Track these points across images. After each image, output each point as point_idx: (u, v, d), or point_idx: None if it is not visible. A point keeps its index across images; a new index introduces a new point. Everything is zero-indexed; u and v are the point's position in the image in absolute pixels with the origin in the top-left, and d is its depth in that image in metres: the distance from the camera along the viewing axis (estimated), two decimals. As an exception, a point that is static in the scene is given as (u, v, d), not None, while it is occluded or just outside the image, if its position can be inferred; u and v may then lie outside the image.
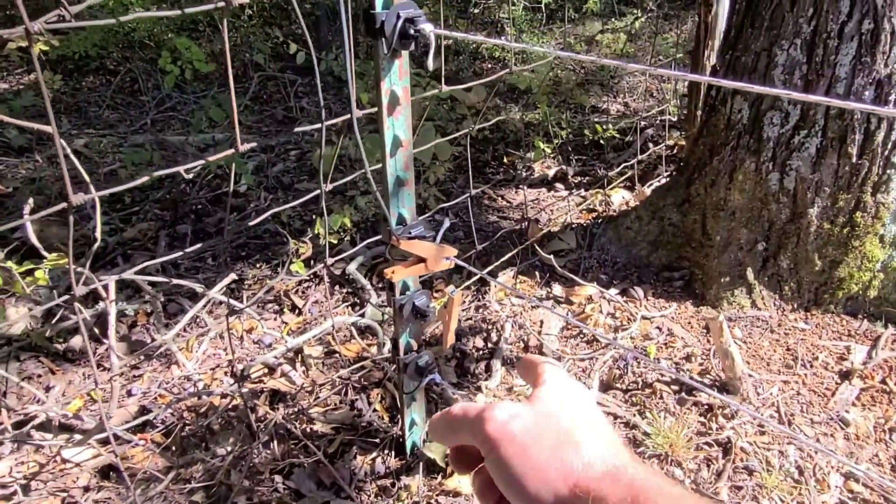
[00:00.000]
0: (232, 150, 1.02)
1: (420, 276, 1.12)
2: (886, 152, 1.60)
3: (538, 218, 2.43)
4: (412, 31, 0.89)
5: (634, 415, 1.49)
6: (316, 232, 2.13)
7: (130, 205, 2.77)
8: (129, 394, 1.72)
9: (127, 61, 4.78)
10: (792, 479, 1.31)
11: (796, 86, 1.63)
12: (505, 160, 3.24)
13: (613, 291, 1.93)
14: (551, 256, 1.89)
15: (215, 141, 3.47)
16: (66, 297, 0.93)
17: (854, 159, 1.62)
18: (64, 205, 0.85)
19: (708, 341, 1.71)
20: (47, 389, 1.71)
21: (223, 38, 0.84)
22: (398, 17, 0.89)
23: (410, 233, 1.08)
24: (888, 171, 1.61)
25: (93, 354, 1.73)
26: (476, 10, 6.26)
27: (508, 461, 0.36)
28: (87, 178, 0.89)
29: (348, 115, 1.16)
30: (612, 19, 5.84)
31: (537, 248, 1.79)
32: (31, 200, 0.81)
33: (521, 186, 2.98)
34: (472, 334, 1.81)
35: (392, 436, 1.46)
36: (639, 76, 4.71)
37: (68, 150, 0.84)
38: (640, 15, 5.65)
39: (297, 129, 1.01)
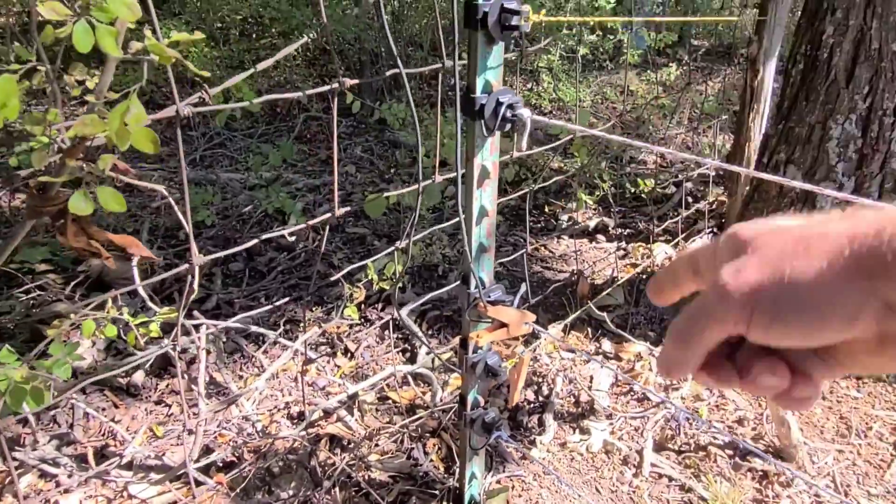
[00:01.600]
0: (329, 215, 1.09)
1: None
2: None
3: (584, 271, 2.47)
4: (510, 115, 0.96)
5: (689, 477, 1.51)
6: (370, 278, 2.19)
7: (185, 241, 2.87)
8: (191, 432, 1.77)
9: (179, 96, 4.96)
10: (852, 554, 1.31)
11: (850, 159, 1.68)
12: (546, 209, 3.30)
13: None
14: (604, 314, 1.93)
15: (264, 180, 3.59)
16: (150, 353, 0.99)
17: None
18: (186, 266, 0.92)
19: (760, 405, 1.72)
20: (113, 421, 1.78)
21: (331, 131, 0.92)
22: (498, 102, 0.96)
23: (489, 296, 1.13)
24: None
25: (176, 392, 1.79)
26: (513, 58, 6.43)
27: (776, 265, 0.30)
28: (192, 240, 0.96)
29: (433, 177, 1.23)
30: (648, 70, 5.96)
31: (591, 304, 1.84)
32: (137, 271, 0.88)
33: (562, 236, 3.03)
34: (525, 387, 1.84)
35: (449, 487, 1.49)
36: (676, 129, 4.78)
37: (187, 210, 0.91)
38: (675, 68, 5.75)
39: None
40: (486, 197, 1.08)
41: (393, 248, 1.24)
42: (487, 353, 1.23)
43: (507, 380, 1.45)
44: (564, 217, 3.18)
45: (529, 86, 6.10)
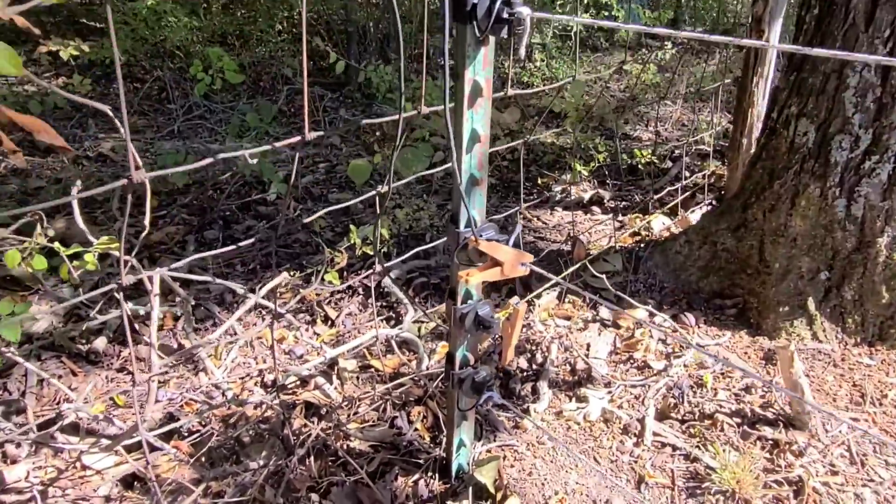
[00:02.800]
0: (298, 138, 0.96)
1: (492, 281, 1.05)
2: (965, 181, 1.51)
3: (583, 240, 2.35)
4: (506, 15, 0.83)
5: (695, 447, 1.39)
6: (352, 241, 2.05)
7: (157, 209, 2.72)
8: (156, 400, 1.64)
9: (156, 69, 4.79)
10: (873, 526, 1.21)
11: (869, 109, 1.56)
12: (539, 182, 3.18)
13: (664, 318, 1.84)
14: (603, 276, 1.81)
15: (244, 148, 3.42)
16: (94, 292, 0.85)
17: (930, 187, 1.54)
18: (124, 181, 0.78)
19: (768, 373, 1.61)
20: (70, 389, 1.63)
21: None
22: None
23: (481, 235, 1.00)
24: (966, 202, 1.53)
25: (133, 349, 1.65)
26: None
27: None
28: (139, 161, 0.83)
29: (415, 112, 1.10)
30: (643, 50, 5.84)
31: (589, 266, 1.71)
32: (78, 182, 0.74)
33: (556, 208, 2.91)
34: (517, 354, 1.72)
35: (435, 457, 1.37)
36: (671, 106, 4.67)
37: (126, 126, 0.78)
38: (670, 47, 5.63)
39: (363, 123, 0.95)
40: (478, 119, 0.95)
41: (374, 192, 1.11)
42: (478, 303, 1.10)
43: (500, 336, 1.33)
44: (558, 189, 3.05)
45: (521, 63, 5.95)
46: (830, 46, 1.61)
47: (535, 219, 2.79)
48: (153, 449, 1.28)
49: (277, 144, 0.94)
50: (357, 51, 5.07)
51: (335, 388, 1.60)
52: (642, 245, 2.21)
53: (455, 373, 1.16)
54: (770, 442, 1.40)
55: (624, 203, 2.99)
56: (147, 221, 1.00)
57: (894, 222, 1.59)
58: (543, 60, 5.46)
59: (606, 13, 5.61)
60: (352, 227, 2.11)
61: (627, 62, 5.75)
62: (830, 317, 1.70)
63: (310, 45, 5.40)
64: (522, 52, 0.87)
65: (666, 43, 5.88)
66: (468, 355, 1.17)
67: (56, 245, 0.93)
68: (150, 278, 1.04)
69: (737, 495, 1.27)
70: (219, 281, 1.24)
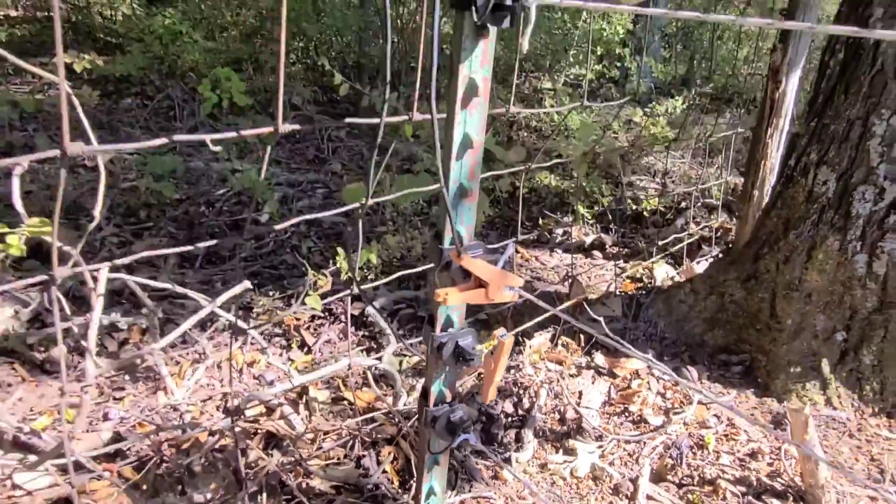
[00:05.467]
0: (271, 129, 0.86)
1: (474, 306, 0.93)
2: None
3: (566, 292, 2.23)
4: (509, 0, 0.73)
5: (693, 516, 1.24)
6: (338, 265, 1.94)
7: (145, 220, 2.62)
8: (106, 417, 1.50)
9: (166, 87, 4.79)
10: None
11: (895, 160, 1.46)
12: (540, 222, 3.08)
13: (664, 368, 1.70)
14: (601, 318, 1.69)
15: (241, 169, 3.36)
16: (24, 281, 0.74)
17: (958, 248, 1.43)
18: (57, 152, 0.68)
19: (776, 438, 1.47)
20: (18, 401, 1.50)
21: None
22: None
23: (470, 251, 0.89)
24: None
25: (61, 349, 1.53)
26: (518, 81, 6.32)
27: None
28: (87, 126, 0.73)
29: (405, 118, 1.00)
30: (654, 104, 5.84)
31: (586, 307, 1.60)
32: (25, 161, 0.64)
33: (556, 250, 2.80)
34: (502, 397, 1.58)
35: (402, 505, 1.22)
36: (679, 160, 4.61)
37: (69, 90, 0.68)
38: (680, 101, 5.63)
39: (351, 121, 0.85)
40: (472, 123, 0.85)
41: (356, 205, 1.00)
42: (459, 332, 0.98)
43: (482, 372, 1.20)
44: (559, 231, 2.95)
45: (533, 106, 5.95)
46: (856, 93, 1.53)
47: (533, 258, 2.68)
48: (79, 469, 1.14)
49: (245, 132, 0.84)
50: (369, 84, 5.06)
51: (302, 419, 1.46)
52: (644, 292, 2.09)
53: (429, 409, 1.03)
54: (778, 516, 1.25)
55: (626, 249, 2.89)
56: (97, 211, 0.90)
57: (918, 283, 1.48)
58: (553, 106, 5.45)
59: (619, 64, 5.64)
60: (339, 249, 2.00)
61: (637, 115, 5.74)
62: (846, 382, 1.56)
63: (318, 72, 5.40)
64: (525, 44, 0.77)
65: (676, 98, 5.89)
66: (445, 391, 1.04)
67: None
68: (94, 276, 0.93)
69: (739, 575, 1.12)
70: (177, 288, 1.13)
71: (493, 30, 0.79)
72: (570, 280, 2.11)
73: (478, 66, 0.81)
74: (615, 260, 2.70)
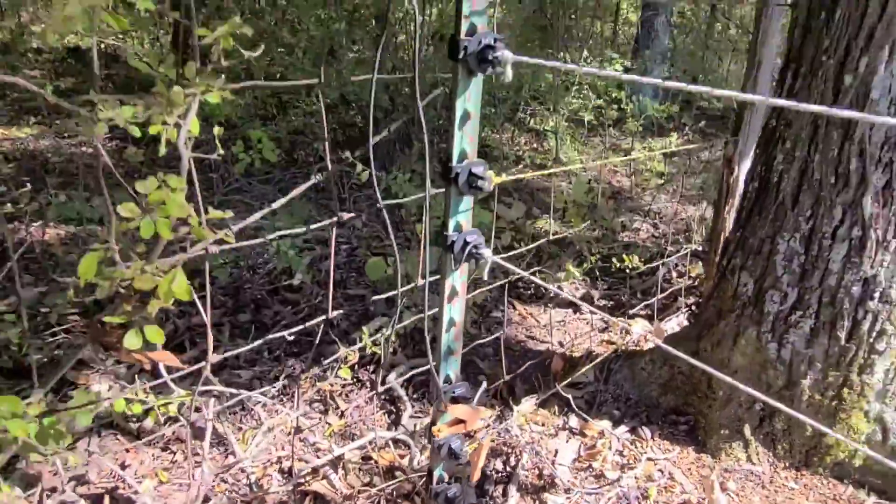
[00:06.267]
0: (334, 219, 1.30)
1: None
2: (871, 340, 1.82)
3: (563, 352, 2.67)
4: (490, 57, 1.05)
5: (631, 555, 1.68)
6: (363, 343, 2.40)
7: (198, 289, 3.10)
8: (193, 477, 1.97)
9: (204, 143, 5.27)
10: None
11: (794, 272, 1.89)
12: (537, 276, 3.52)
13: (623, 429, 2.14)
14: (569, 395, 2.13)
15: (276, 228, 3.83)
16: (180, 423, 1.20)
17: (843, 342, 1.84)
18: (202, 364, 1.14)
19: (702, 489, 1.90)
20: (123, 467, 1.98)
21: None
22: (480, 42, 1.03)
23: (455, 392, 1.34)
24: (872, 356, 1.83)
25: (181, 441, 1.99)
26: (523, 115, 6.74)
27: None
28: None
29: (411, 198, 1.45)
30: (653, 136, 6.23)
31: (559, 388, 2.03)
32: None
33: (549, 305, 3.24)
34: (494, 456, 2.03)
35: (416, 548, 1.68)
36: (668, 200, 5.02)
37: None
38: (676, 137, 6.00)
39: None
40: (465, 139, 1.21)
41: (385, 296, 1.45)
42: (451, 438, 1.43)
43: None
44: (553, 286, 3.39)
45: (535, 145, 6.38)
46: (765, 217, 1.95)
47: (529, 316, 3.12)
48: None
49: (312, 227, 1.28)
50: (392, 153, 5.40)
51: (340, 479, 1.93)
52: (616, 355, 2.52)
53: (433, 487, 1.48)
54: (695, 554, 1.68)
55: (612, 302, 3.32)
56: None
57: (815, 368, 1.89)
58: (556, 143, 5.87)
59: (616, 106, 6.04)
60: (364, 329, 2.46)
61: (636, 148, 6.12)
62: (763, 442, 1.99)
63: (342, 116, 5.84)
64: (509, 75, 1.11)
65: (673, 132, 6.27)
66: (444, 475, 1.49)
67: (152, 397, 1.29)
68: (208, 409, 1.39)
69: None
70: (245, 393, 1.59)
71: (480, 73, 1.08)
72: (550, 355, 2.55)
73: (468, 100, 1.11)
74: (601, 313, 3.14)
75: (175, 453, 2.02)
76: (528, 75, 6.25)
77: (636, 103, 6.15)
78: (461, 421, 1.27)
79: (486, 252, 1.17)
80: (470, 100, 1.10)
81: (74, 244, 3.37)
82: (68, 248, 3.31)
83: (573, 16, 8.15)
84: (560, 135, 5.75)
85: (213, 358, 1.10)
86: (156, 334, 0.84)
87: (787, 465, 1.97)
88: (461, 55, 1.02)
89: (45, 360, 2.36)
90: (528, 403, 2.25)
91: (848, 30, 1.71)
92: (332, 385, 2.39)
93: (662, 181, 5.52)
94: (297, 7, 6.06)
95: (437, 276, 1.31)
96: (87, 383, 2.30)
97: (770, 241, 1.93)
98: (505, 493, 1.87)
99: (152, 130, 0.82)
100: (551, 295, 3.34)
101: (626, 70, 6.43)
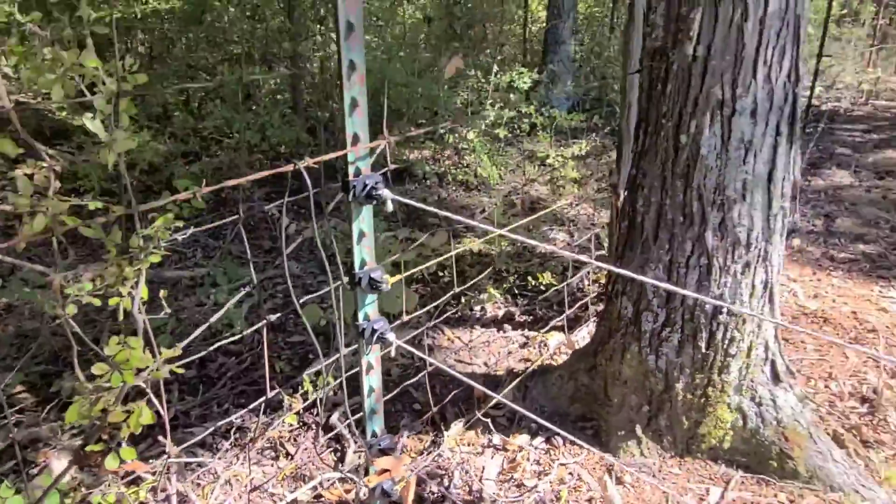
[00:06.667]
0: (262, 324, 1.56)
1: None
2: (725, 346, 2.22)
3: (487, 373, 2.99)
4: (374, 194, 1.40)
5: (547, 551, 2.01)
6: (305, 389, 2.65)
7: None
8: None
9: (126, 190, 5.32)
10: None
11: (661, 296, 2.26)
12: (461, 300, 3.84)
13: (540, 440, 2.48)
14: (488, 421, 2.45)
15: (211, 277, 3.99)
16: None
17: (703, 350, 2.24)
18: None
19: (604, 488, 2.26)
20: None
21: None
22: (365, 185, 1.36)
23: (381, 444, 1.62)
24: (728, 359, 2.23)
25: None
26: (443, 132, 7.06)
27: None
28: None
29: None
30: (567, 140, 6.68)
31: (478, 414, 2.34)
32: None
33: (474, 326, 3.57)
34: (430, 478, 2.33)
35: (366, 572, 1.95)
36: (583, 209, 5.45)
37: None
38: (585, 144, 6.46)
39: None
40: (363, 251, 1.56)
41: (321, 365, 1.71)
42: (384, 480, 1.71)
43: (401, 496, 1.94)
44: (477, 308, 3.72)
45: (456, 160, 6.71)
46: (634, 251, 2.32)
47: (456, 339, 3.43)
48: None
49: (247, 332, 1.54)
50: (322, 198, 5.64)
51: (295, 519, 2.18)
52: (533, 372, 2.86)
53: (372, 522, 1.76)
54: (599, 543, 2.03)
55: (531, 318, 3.67)
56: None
57: (685, 373, 2.28)
58: (475, 160, 6.22)
59: (527, 120, 6.44)
60: (304, 376, 2.71)
61: (550, 155, 6.53)
62: (652, 438, 2.37)
63: (267, 152, 5.97)
64: (389, 206, 1.41)
65: (588, 136, 6.73)
66: (380, 509, 1.77)
67: (127, 493, 1.51)
68: (170, 480, 1.62)
69: (569, 587, 1.89)
70: (200, 459, 1.82)
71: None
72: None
73: (363, 222, 1.42)
74: (522, 329, 3.49)
75: (141, 516, 2.22)
76: (444, 92, 6.58)
77: (545, 115, 6.56)
78: (387, 470, 1.56)
79: (385, 192, 1.41)
80: (364, 222, 1.38)
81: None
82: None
83: (484, 27, 8.54)
84: (478, 151, 6.09)
85: (174, 450, 1.34)
86: (128, 453, 1.09)
87: (673, 454, 2.35)
88: (351, 195, 1.31)
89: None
90: (456, 427, 2.55)
91: (679, 99, 2.09)
92: (280, 432, 2.63)
93: (576, 187, 5.95)
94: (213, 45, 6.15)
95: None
96: (45, 460, 2.45)
97: (641, 270, 2.30)
98: (440, 512, 2.18)
99: (111, 302, 1.06)
100: (476, 316, 3.67)
101: (535, 83, 6.83)
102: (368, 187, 1.32)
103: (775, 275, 2.22)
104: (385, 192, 1.34)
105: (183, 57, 6.83)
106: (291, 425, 2.65)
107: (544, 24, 9.39)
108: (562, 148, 6.68)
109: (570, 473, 2.31)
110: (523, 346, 3.33)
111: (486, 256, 4.36)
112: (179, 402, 2.84)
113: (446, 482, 2.30)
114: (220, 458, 2.49)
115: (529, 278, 3.79)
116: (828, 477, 2.20)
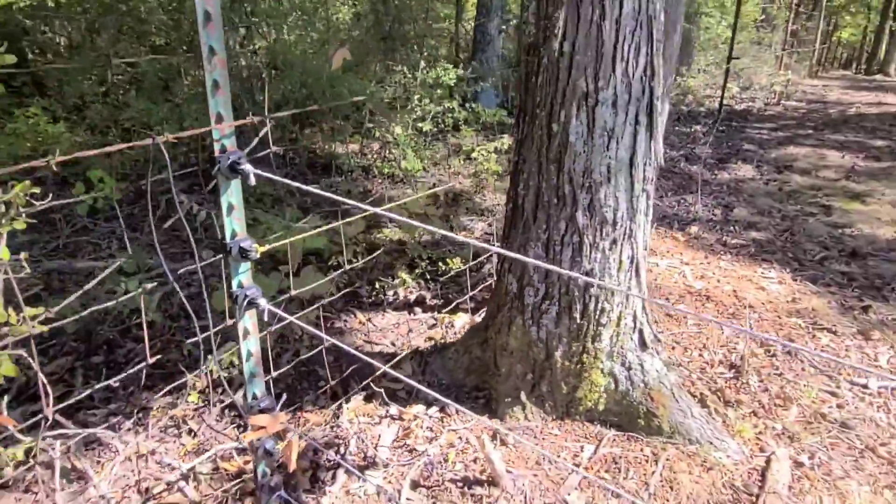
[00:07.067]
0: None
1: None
2: (597, 316, 2.43)
3: (390, 352, 3.14)
4: (237, 168, 1.52)
5: (430, 507, 2.18)
6: (209, 369, 2.73)
7: (49, 338, 3.25)
8: (55, 512, 2.22)
9: (41, 183, 5.20)
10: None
11: (541, 272, 2.46)
12: (377, 286, 3.97)
13: (434, 409, 2.64)
14: (382, 390, 2.60)
15: (124, 272, 3.98)
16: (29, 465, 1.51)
17: (578, 320, 2.45)
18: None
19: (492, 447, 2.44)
20: (-14, 513, 2.18)
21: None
22: (229, 159, 1.47)
23: (260, 405, 1.74)
24: (599, 328, 2.45)
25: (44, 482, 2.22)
26: (371, 126, 7.16)
27: None
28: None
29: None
30: (487, 142, 6.89)
31: (374, 385, 2.47)
32: None
33: (387, 310, 3.71)
34: (327, 448, 2.45)
35: (258, 533, 2.06)
36: (501, 198, 5.66)
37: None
38: (507, 138, 6.68)
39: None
40: (234, 224, 1.68)
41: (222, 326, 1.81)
42: (266, 440, 1.83)
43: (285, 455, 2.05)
44: (391, 293, 3.86)
45: (383, 154, 6.82)
46: (517, 232, 2.51)
47: (368, 322, 3.57)
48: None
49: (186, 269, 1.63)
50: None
51: (193, 488, 2.26)
52: (433, 348, 3.02)
53: (258, 480, 1.87)
54: (478, 495, 2.21)
55: (442, 301, 3.84)
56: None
57: (563, 342, 2.49)
58: (400, 154, 6.35)
59: (451, 114, 6.62)
60: (209, 356, 2.78)
61: (474, 150, 6.73)
62: (536, 403, 2.57)
63: (189, 144, 5.93)
64: (252, 181, 1.53)
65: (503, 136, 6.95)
66: (266, 470, 1.89)
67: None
68: (54, 450, 1.69)
69: (447, 536, 2.05)
70: (90, 430, 1.89)
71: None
72: (377, 358, 3.00)
73: (232, 195, 1.51)
74: (433, 312, 3.65)
75: (37, 493, 2.25)
76: (371, 88, 6.67)
77: (469, 110, 6.76)
78: (263, 427, 1.67)
79: (262, 301, 1.58)
80: (232, 196, 1.50)
81: None
82: None
83: (412, 24, 8.68)
84: (402, 145, 6.23)
85: (49, 412, 1.42)
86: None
87: (554, 417, 2.56)
88: (217, 169, 1.42)
89: None
90: (356, 400, 2.69)
91: (550, 90, 2.28)
92: (184, 411, 2.70)
93: (498, 179, 6.16)
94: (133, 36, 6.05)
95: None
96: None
97: (523, 248, 2.49)
98: (334, 477, 2.30)
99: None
100: (389, 300, 3.81)
101: (459, 79, 7.02)
102: (232, 162, 1.44)
103: (641, 251, 2.46)
104: (247, 168, 1.46)
105: (104, 47, 6.68)
106: (197, 404, 2.72)
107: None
108: (485, 143, 6.89)
109: (460, 438, 2.48)
110: (431, 327, 3.49)
111: (405, 245, 4.51)
112: (83, 386, 2.86)
113: (342, 450, 2.43)
114: (121, 436, 2.54)
115: (440, 264, 3.95)
116: (687, 432, 2.45)
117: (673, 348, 3.16)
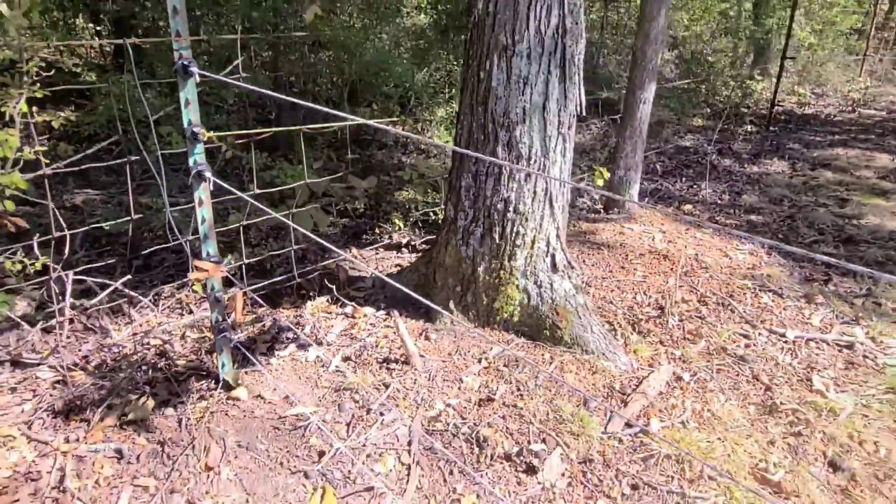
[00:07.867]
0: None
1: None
2: (513, 238, 2.89)
3: (345, 266, 3.71)
4: (188, 70, 2.12)
5: (353, 373, 2.72)
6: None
7: (105, 245, 4.05)
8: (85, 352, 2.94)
9: (126, 136, 6.16)
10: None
11: (471, 198, 2.94)
12: (376, 230, 4.55)
13: (381, 313, 3.18)
14: (333, 288, 3.16)
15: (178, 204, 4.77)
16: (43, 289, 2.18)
17: (497, 241, 2.91)
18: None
19: (413, 343, 2.94)
20: (32, 344, 2.93)
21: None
22: (183, 63, 2.10)
23: (210, 259, 2.34)
24: (515, 249, 2.90)
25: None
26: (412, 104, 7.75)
27: None
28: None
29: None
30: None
31: (332, 290, 3.03)
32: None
33: (378, 249, 4.28)
34: (288, 330, 3.04)
35: (216, 375, 2.68)
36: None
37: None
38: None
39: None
40: (191, 114, 2.28)
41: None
42: (217, 291, 2.43)
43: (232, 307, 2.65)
44: (386, 237, 4.42)
45: (422, 131, 7.37)
46: (457, 164, 3.00)
47: (359, 255, 4.15)
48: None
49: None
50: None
51: (180, 345, 2.92)
52: (396, 271, 3.56)
53: (214, 326, 2.48)
54: (392, 369, 2.72)
55: (427, 245, 4.35)
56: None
57: (485, 260, 2.95)
58: (436, 131, 6.91)
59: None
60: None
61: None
62: (462, 311, 3.05)
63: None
64: (197, 78, 2.13)
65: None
66: (219, 317, 2.49)
67: (7, 262, 2.26)
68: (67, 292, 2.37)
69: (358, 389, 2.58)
70: (111, 283, 2.56)
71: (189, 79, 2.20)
72: (336, 266, 3.58)
73: (188, 91, 2.20)
74: (415, 252, 4.18)
75: (68, 336, 2.98)
76: (418, 74, 7.27)
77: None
78: (206, 270, 2.27)
79: (208, 174, 2.17)
80: (189, 92, 2.11)
81: None
82: None
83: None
84: (436, 123, 6.79)
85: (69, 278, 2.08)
86: (9, 204, 1.82)
87: (476, 325, 3.03)
88: (175, 67, 2.04)
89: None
90: (320, 300, 3.27)
91: (479, 43, 2.76)
92: (187, 296, 3.38)
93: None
94: None
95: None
96: None
97: (458, 179, 2.98)
98: (287, 346, 2.89)
99: None
100: (384, 242, 4.38)
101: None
102: (183, 64, 2.04)
103: (555, 185, 2.88)
104: (194, 69, 2.06)
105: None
106: (201, 295, 3.39)
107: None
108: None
109: (394, 332, 3.00)
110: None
111: (401, 201, 5.06)
112: (120, 276, 3.61)
113: (300, 331, 3.02)
114: (138, 309, 3.25)
115: (431, 214, 4.48)
116: (585, 344, 2.85)
117: (612, 290, 3.53)
